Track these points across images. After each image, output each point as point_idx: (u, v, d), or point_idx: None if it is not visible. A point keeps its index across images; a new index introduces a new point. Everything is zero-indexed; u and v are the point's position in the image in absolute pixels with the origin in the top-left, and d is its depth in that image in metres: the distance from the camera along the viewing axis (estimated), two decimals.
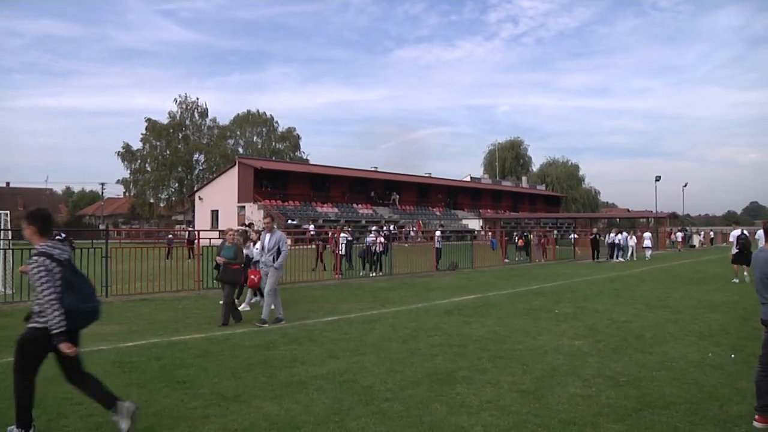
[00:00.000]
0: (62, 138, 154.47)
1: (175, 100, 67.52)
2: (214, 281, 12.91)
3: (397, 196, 53.77)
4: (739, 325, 9.38)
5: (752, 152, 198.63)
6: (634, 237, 31.54)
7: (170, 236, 32.37)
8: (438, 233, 23.02)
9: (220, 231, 22.65)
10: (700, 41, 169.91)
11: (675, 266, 23.95)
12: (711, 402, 5.31)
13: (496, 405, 5.26)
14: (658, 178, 63.08)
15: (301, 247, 25.11)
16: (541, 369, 6.57)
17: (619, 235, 29.86)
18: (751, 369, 6.43)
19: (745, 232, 17.57)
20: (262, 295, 10.81)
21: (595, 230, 31.84)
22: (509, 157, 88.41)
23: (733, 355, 7.17)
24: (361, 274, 19.21)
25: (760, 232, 15.64)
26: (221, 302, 10.28)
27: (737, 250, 17.05)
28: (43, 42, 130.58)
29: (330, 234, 23.23)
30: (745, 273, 16.62)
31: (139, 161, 66.30)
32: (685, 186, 72.28)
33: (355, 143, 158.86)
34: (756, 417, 4.79)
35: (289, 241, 12.08)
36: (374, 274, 19.09)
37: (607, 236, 30.55)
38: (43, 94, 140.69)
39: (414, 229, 43.55)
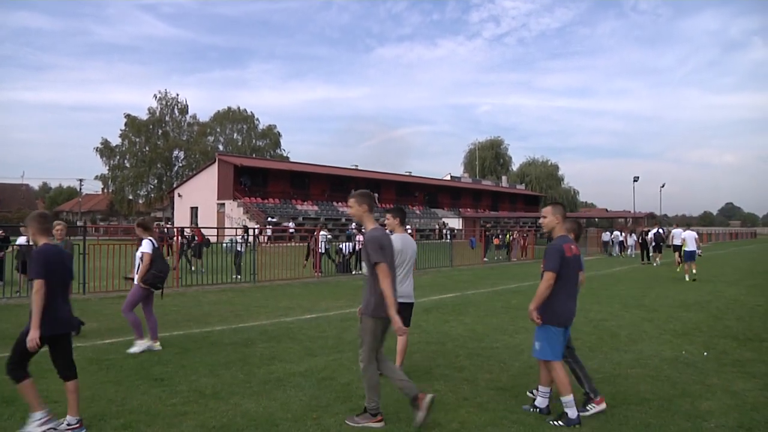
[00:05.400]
0: (39, 133, 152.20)
1: (155, 96, 66.90)
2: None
3: (376, 195, 53.72)
4: (712, 324, 9.57)
5: (728, 154, 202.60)
6: (633, 235, 32.35)
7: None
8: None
9: (200, 228, 22.43)
10: (679, 44, 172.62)
11: (652, 266, 24.30)
12: (683, 398, 5.42)
13: (473, 402, 5.32)
14: (636, 179, 64.09)
15: (280, 244, 25.08)
16: (518, 367, 6.65)
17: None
18: (722, 366, 6.60)
19: (660, 230, 25.37)
20: None
21: (645, 229, 29.61)
22: (489, 156, 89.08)
23: (705, 353, 7.31)
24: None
25: (677, 231, 21.62)
26: None
27: (654, 243, 24.98)
28: (19, 35, 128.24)
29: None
30: (658, 260, 24.51)
31: (117, 157, 65.50)
32: (663, 186, 72.98)
33: (336, 141, 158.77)
34: (598, 399, 5.06)
35: None
36: (356, 272, 19.10)
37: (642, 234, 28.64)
38: (20, 87, 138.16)
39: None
